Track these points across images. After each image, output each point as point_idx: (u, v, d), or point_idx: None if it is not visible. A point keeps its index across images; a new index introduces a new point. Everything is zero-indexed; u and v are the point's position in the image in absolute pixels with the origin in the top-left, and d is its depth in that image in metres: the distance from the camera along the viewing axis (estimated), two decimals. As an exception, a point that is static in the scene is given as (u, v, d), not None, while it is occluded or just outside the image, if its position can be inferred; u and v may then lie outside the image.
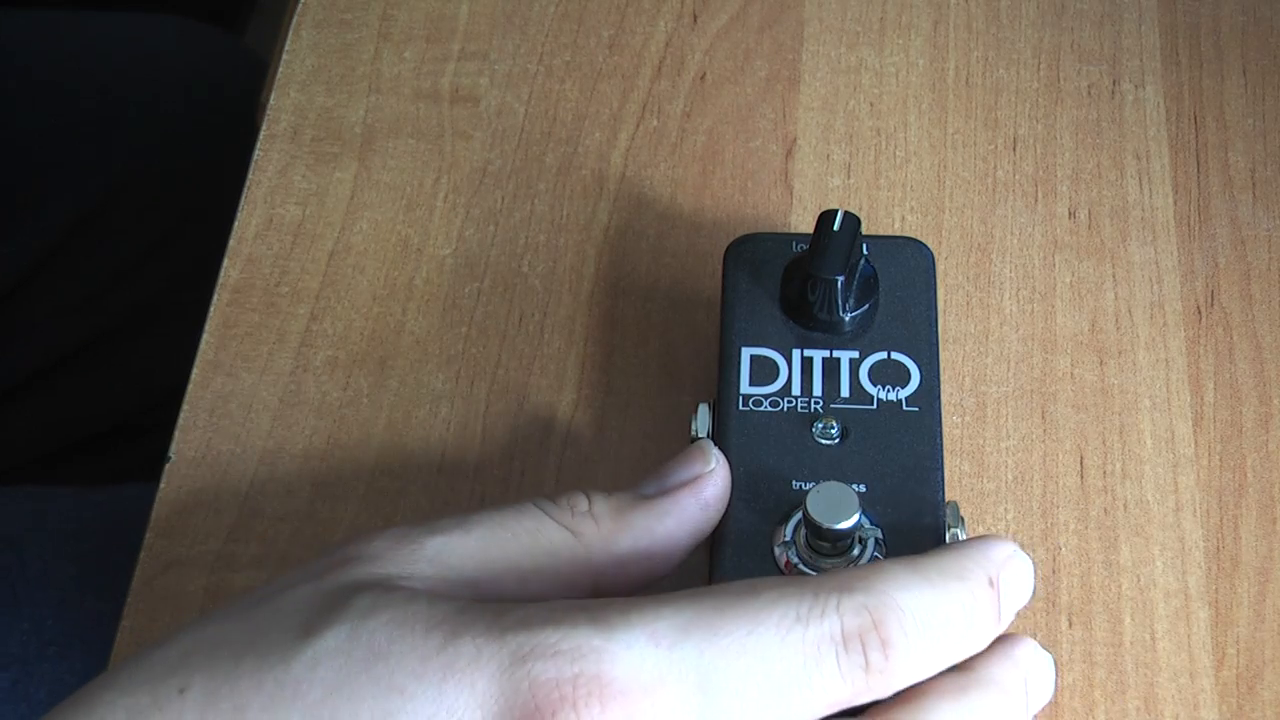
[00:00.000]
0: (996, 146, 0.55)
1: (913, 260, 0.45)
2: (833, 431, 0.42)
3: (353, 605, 0.34)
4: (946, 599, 0.35)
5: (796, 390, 0.42)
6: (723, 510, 0.40)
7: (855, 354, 0.43)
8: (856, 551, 0.39)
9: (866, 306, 0.44)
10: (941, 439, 0.42)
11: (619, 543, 0.38)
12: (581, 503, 0.38)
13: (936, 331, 0.44)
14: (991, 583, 0.36)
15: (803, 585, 0.34)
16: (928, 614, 0.35)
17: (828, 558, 0.39)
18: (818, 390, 0.42)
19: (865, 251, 0.44)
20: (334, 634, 0.33)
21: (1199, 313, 0.51)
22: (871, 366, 0.43)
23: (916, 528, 0.40)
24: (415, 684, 0.32)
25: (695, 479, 0.40)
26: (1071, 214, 0.53)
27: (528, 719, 0.32)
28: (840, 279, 0.43)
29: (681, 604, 0.34)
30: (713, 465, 0.40)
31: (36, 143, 0.76)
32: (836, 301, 0.43)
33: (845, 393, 0.42)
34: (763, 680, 0.33)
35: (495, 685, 0.32)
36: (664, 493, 0.39)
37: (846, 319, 0.43)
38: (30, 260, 0.74)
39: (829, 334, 0.43)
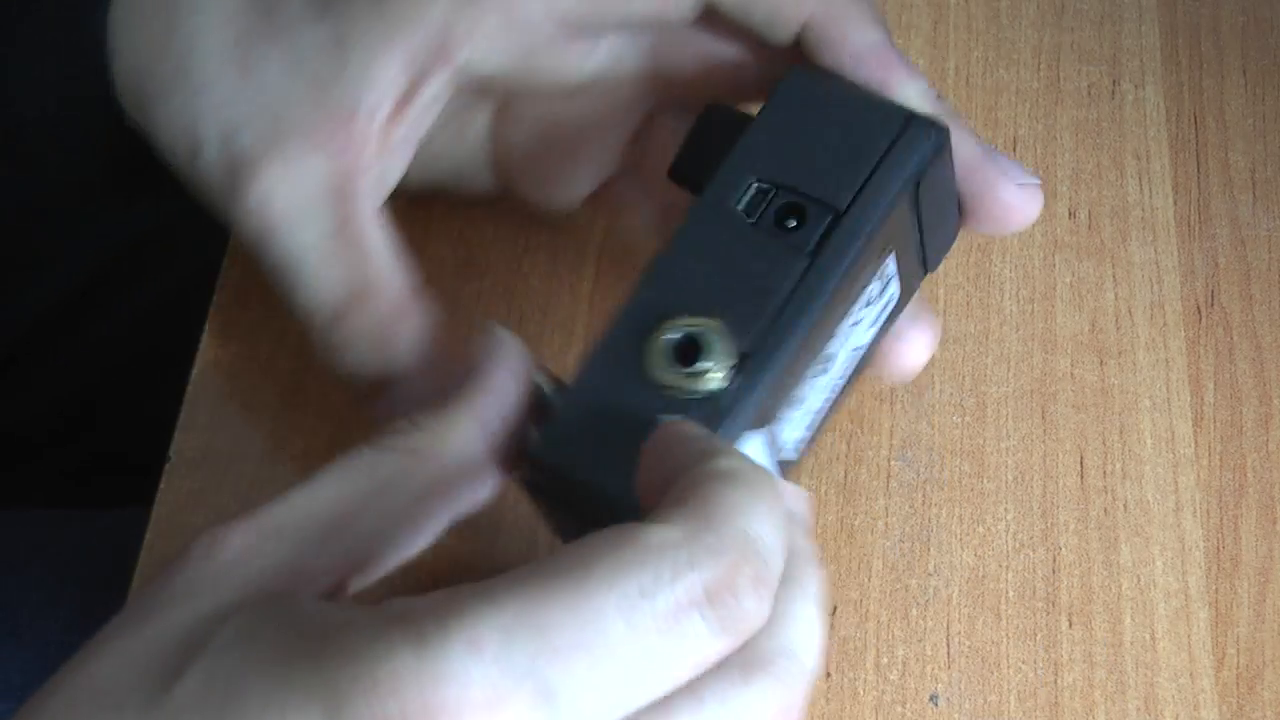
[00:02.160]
0: (996, 146, 0.55)
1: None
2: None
3: (210, 644, 0.32)
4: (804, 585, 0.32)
5: None
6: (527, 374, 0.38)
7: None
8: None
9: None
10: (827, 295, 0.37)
11: (451, 440, 0.36)
12: (401, 423, 0.37)
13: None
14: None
15: (635, 546, 0.30)
16: (765, 527, 0.31)
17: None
18: None
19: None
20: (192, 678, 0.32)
21: (1199, 313, 0.51)
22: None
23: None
24: None
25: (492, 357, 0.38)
26: (1071, 214, 0.53)
27: None
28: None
29: (502, 598, 0.30)
30: (505, 341, 0.39)
31: (49, 198, 0.76)
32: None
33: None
34: (615, 673, 0.30)
35: None
36: (471, 377, 0.38)
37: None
38: (46, 310, 0.74)
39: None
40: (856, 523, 0.47)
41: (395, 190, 0.44)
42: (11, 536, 0.64)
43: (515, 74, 0.43)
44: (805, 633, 0.32)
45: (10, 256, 0.73)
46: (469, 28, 0.41)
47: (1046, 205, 0.53)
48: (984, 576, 0.46)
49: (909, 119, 0.37)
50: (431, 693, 0.29)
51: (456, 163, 0.48)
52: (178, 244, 0.74)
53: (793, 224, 0.36)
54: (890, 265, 0.39)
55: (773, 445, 0.38)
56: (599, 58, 0.44)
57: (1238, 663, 0.44)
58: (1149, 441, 0.48)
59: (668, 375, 0.35)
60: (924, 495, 0.47)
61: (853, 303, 0.38)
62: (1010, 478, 0.47)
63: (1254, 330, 0.50)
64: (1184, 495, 0.47)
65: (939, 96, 0.41)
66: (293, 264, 0.42)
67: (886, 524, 0.47)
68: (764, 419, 0.37)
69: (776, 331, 0.35)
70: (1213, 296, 0.51)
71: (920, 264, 0.42)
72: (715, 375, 0.35)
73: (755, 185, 0.37)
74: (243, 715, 0.30)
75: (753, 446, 0.37)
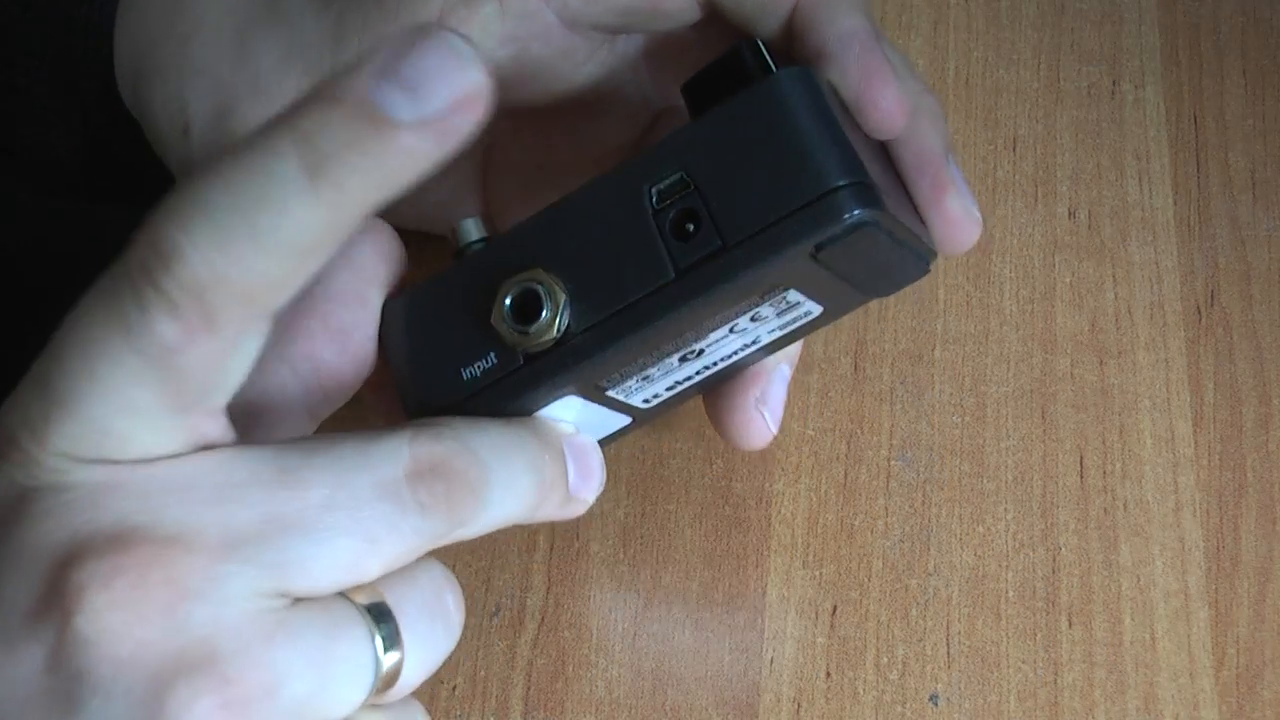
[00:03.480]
0: (996, 146, 0.55)
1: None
2: None
3: None
4: (513, 450, 0.36)
5: None
6: None
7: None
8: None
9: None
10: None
11: None
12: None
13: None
14: (550, 444, 0.37)
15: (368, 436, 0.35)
16: (490, 458, 0.35)
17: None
18: None
19: None
20: None
21: (1199, 313, 0.51)
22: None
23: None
24: None
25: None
26: (1071, 214, 0.53)
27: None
28: None
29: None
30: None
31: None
32: None
33: None
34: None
35: None
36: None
37: None
38: (41, 289, 0.73)
39: None
40: (856, 523, 0.47)
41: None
42: None
43: (512, 71, 0.43)
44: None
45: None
46: (465, 15, 0.41)
47: (1046, 205, 0.53)
48: (984, 576, 0.46)
49: (835, 190, 0.35)
50: None
51: (443, 184, 0.48)
52: None
53: (690, 228, 0.36)
54: (793, 296, 0.38)
55: (593, 400, 0.39)
56: (597, 60, 0.44)
57: (1238, 663, 0.44)
58: (1149, 441, 0.48)
59: (500, 323, 0.36)
60: (924, 495, 0.47)
61: (722, 321, 0.38)
62: (1010, 478, 0.47)
63: (1254, 330, 0.50)
64: (1184, 495, 0.47)
65: (924, 91, 0.40)
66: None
67: (886, 524, 0.47)
68: (587, 388, 0.38)
69: (608, 327, 0.36)
70: (1213, 296, 0.51)
71: (857, 293, 0.41)
72: (540, 341, 0.36)
73: (680, 176, 0.36)
74: None
75: (559, 406, 0.38)
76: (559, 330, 0.36)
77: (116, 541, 0.31)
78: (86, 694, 0.31)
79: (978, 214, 0.40)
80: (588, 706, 0.44)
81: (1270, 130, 0.55)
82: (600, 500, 0.47)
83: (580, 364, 0.37)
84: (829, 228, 0.35)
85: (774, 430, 0.43)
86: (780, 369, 0.43)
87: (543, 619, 0.45)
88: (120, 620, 0.31)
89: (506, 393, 0.37)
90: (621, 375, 0.39)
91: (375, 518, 0.33)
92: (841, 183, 0.35)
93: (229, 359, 0.32)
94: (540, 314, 0.36)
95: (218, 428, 0.33)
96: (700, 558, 0.46)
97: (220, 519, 0.32)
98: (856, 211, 0.35)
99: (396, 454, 0.34)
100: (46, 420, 0.32)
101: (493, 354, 0.37)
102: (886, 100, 0.38)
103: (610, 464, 0.47)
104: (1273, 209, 0.53)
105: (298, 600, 0.33)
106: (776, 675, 0.44)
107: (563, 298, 0.36)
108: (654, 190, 0.36)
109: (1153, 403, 0.49)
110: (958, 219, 0.40)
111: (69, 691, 0.31)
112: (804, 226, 0.35)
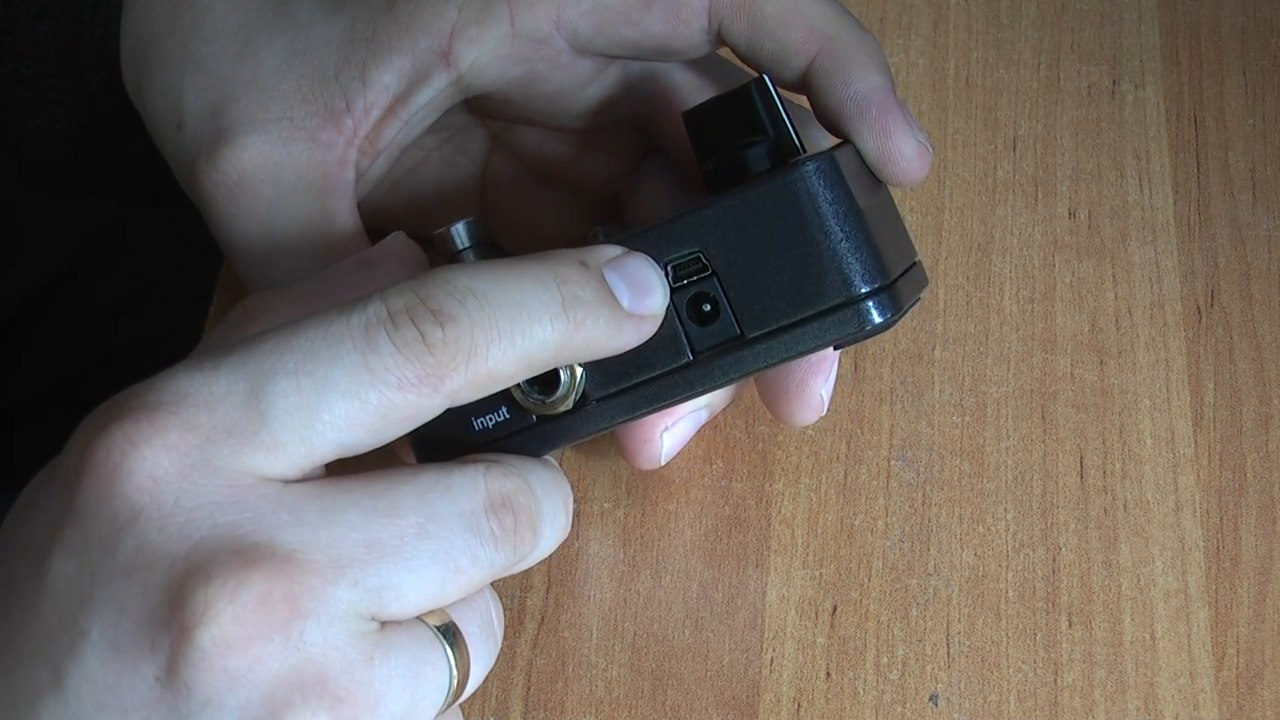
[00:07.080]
0: (996, 146, 0.55)
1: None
2: None
3: None
4: (516, 273, 0.35)
5: None
6: None
7: None
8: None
9: None
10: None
11: None
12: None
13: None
14: (585, 263, 0.35)
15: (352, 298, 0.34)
16: (489, 286, 0.34)
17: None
18: None
19: None
20: None
21: (1199, 313, 0.51)
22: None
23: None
24: None
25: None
26: (1071, 214, 0.53)
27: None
28: None
29: (237, 349, 0.34)
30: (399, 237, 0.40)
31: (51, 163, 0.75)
32: None
33: None
34: (318, 378, 0.33)
35: None
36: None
37: None
38: (43, 279, 0.73)
39: None
40: (856, 523, 0.47)
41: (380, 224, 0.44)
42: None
43: (516, 90, 0.43)
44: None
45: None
46: (476, 34, 0.42)
47: (1046, 205, 0.53)
48: (984, 576, 0.46)
49: (858, 298, 0.36)
50: (156, 402, 0.33)
51: (442, 196, 0.48)
52: (167, 216, 0.74)
53: (706, 309, 0.37)
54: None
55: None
56: (600, 84, 0.44)
57: (1238, 663, 0.44)
58: (1149, 441, 0.48)
59: (518, 391, 0.37)
60: (924, 495, 0.47)
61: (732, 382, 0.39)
62: (1010, 478, 0.47)
63: (1254, 330, 0.50)
64: (1184, 495, 0.47)
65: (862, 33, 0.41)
66: (261, 246, 0.43)
67: (886, 524, 0.47)
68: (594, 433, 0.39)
69: (624, 400, 0.38)
70: (1213, 296, 0.51)
71: None
72: (556, 409, 0.37)
73: (697, 255, 0.37)
74: None
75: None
76: (576, 399, 0.37)
77: (239, 557, 0.32)
78: (196, 709, 0.31)
79: (927, 143, 0.41)
80: (588, 706, 0.44)
81: (1270, 130, 0.55)
82: (600, 500, 0.47)
83: (593, 429, 0.38)
84: (849, 332, 0.36)
85: (664, 461, 0.44)
86: (699, 412, 0.44)
87: (543, 619, 0.45)
88: (240, 634, 0.31)
89: (517, 447, 0.38)
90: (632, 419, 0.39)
91: (461, 548, 0.34)
92: (864, 289, 0.36)
93: (408, 425, 0.34)
94: (558, 386, 0.37)
95: (322, 466, 0.35)
96: (700, 558, 0.46)
97: (326, 542, 0.33)
98: (879, 321, 0.36)
99: (475, 486, 0.35)
100: (251, 444, 0.33)
101: (505, 409, 0.38)
102: (905, 158, 0.40)
103: (610, 463, 0.47)
104: (1273, 209, 0.53)
105: (384, 624, 0.33)
106: (776, 675, 0.44)
107: (579, 371, 0.37)
108: (669, 265, 0.37)
109: (1153, 403, 0.49)
110: (911, 152, 0.40)
111: (178, 706, 0.31)
112: (824, 330, 0.36)
